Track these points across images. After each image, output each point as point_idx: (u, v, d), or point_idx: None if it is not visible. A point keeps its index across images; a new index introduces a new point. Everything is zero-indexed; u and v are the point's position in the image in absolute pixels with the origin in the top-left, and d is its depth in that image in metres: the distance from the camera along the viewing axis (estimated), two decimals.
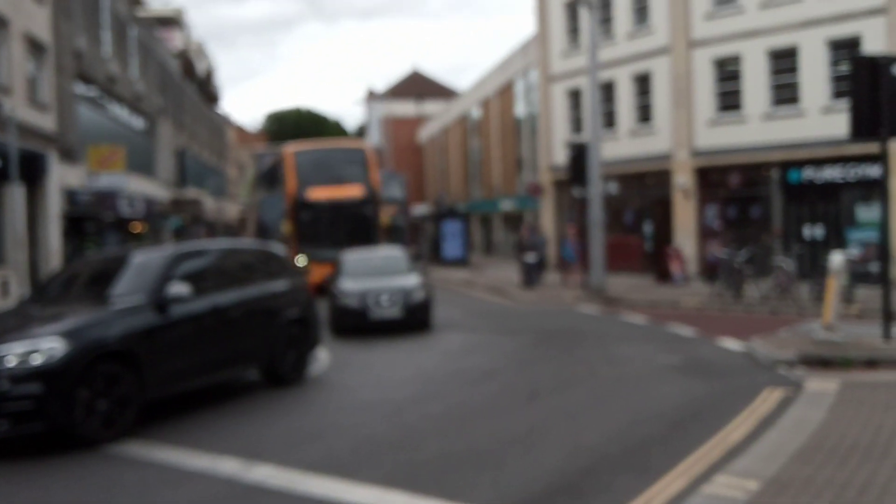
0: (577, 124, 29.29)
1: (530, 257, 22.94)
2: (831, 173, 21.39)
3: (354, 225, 23.17)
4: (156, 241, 32.83)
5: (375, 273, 15.39)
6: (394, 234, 33.93)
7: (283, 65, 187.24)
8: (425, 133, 61.99)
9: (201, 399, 8.98)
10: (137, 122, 32.26)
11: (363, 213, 23.58)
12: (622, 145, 26.90)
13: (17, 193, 17.74)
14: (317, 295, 15.20)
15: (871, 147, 12.57)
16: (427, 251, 39.22)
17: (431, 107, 63.13)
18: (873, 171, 20.03)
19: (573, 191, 22.79)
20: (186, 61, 46.03)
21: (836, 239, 20.86)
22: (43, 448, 7.11)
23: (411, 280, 15.03)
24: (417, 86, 69.92)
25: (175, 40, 44.54)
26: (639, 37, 26.40)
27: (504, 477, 5.94)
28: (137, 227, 30.81)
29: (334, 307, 14.69)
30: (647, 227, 26.60)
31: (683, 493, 5.43)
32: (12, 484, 6.27)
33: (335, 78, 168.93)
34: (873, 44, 19.95)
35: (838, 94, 20.78)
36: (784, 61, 22.37)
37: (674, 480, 5.73)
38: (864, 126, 10.38)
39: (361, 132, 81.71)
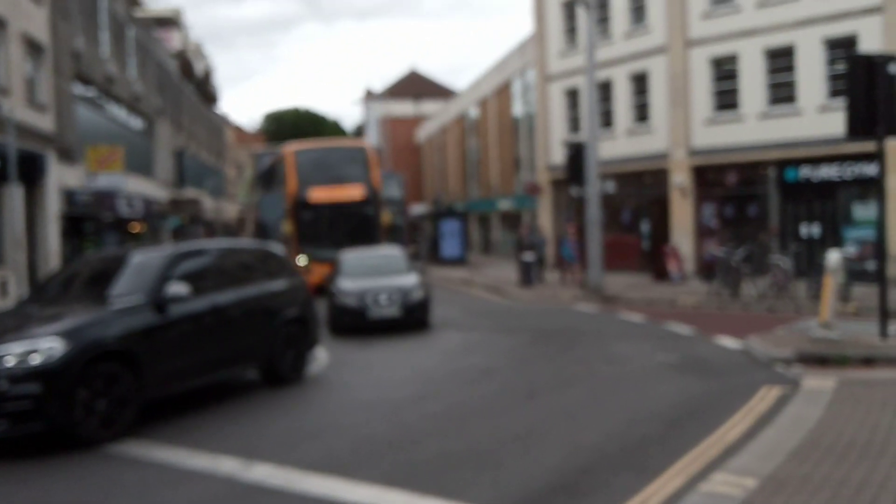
0: (574, 124, 29.32)
1: (528, 256, 22.99)
2: (828, 172, 21.43)
3: (356, 225, 23.15)
4: (154, 240, 32.84)
5: (374, 272, 15.41)
6: (392, 234, 33.96)
7: (282, 65, 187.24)
8: (423, 133, 62.00)
9: (200, 399, 9.00)
10: (136, 123, 32.25)
11: (364, 213, 23.56)
12: (619, 144, 26.93)
13: (15, 194, 17.75)
14: (318, 295, 15.25)
15: (868, 145, 12.60)
16: (425, 250, 39.24)
17: (429, 107, 63.17)
18: (870, 169, 20.07)
19: (571, 190, 22.82)
20: (185, 62, 45.99)
21: (833, 237, 20.91)
22: (42, 448, 7.12)
23: (410, 279, 15.05)
24: (415, 86, 69.96)
25: (173, 41, 44.51)
26: (636, 36, 26.43)
27: (503, 476, 5.96)
28: (136, 227, 30.81)
29: (333, 306, 14.70)
30: (645, 226, 26.64)
31: (681, 491, 5.45)
32: (12, 484, 6.29)
33: (333, 78, 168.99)
34: (870, 43, 19.99)
35: (835, 93, 20.82)
36: (781, 60, 22.40)
37: (672, 479, 5.76)
38: (860, 124, 10.40)
39: (359, 132, 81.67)
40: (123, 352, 7.53)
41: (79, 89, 25.02)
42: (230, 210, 58.82)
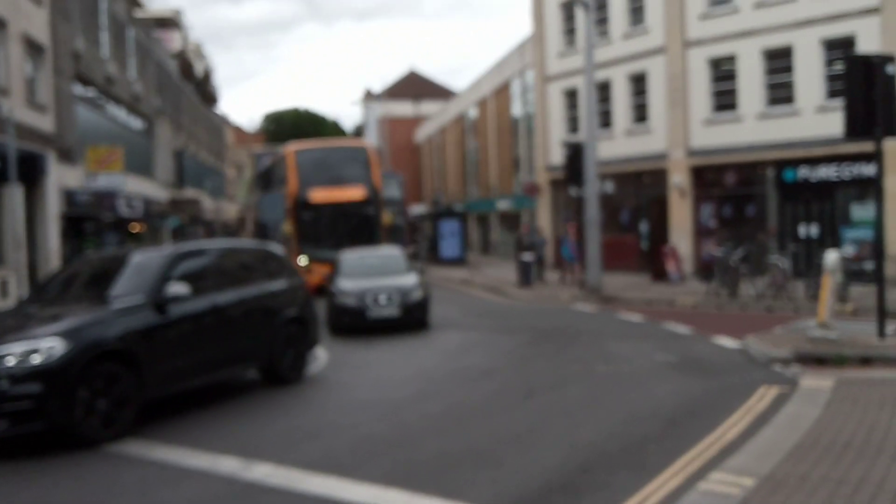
0: (573, 124, 29.34)
1: (527, 256, 23.01)
2: (826, 172, 21.45)
3: (356, 225, 23.14)
4: (154, 241, 32.89)
5: (373, 272, 15.43)
6: (393, 234, 33.98)
7: (281, 65, 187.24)
8: (422, 133, 62.00)
9: (200, 398, 9.02)
10: (136, 123, 32.24)
11: (365, 214, 23.54)
12: (618, 145, 26.95)
13: (15, 194, 17.75)
14: (319, 296, 15.27)
15: (866, 146, 12.60)
16: (425, 250, 39.25)
17: (428, 107, 63.16)
18: (868, 169, 20.10)
19: (570, 190, 22.88)
20: (184, 62, 46.01)
21: (831, 237, 20.93)
22: (43, 448, 7.14)
23: (409, 279, 15.07)
24: (415, 86, 69.97)
25: (173, 41, 44.54)
26: (634, 37, 26.45)
27: (502, 475, 5.98)
28: (136, 228, 30.82)
29: (332, 306, 14.72)
30: (643, 226, 26.66)
31: (680, 490, 5.48)
32: (12, 484, 6.30)
33: (333, 78, 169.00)
34: (867, 43, 20.01)
35: (833, 94, 20.83)
36: (779, 61, 22.42)
37: (670, 478, 5.78)
38: (858, 125, 10.43)
39: (359, 132, 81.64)
40: (124, 351, 7.54)
41: (79, 90, 25.02)
42: (230, 210, 58.82)
